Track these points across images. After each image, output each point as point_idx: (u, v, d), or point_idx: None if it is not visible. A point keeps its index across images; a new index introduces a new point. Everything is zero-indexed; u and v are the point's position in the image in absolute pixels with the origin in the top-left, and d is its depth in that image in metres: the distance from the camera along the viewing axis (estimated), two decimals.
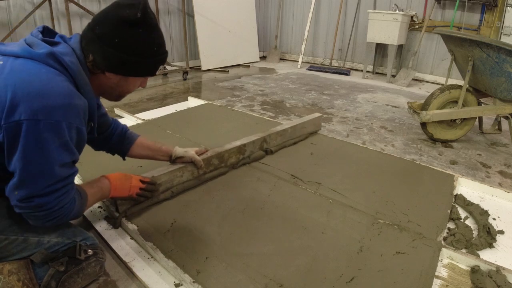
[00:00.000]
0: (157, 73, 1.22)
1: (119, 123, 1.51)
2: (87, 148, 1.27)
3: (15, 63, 0.93)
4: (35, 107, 0.88)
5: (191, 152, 1.66)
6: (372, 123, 3.22)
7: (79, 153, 1.06)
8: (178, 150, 1.64)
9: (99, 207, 1.57)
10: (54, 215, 0.99)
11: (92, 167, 1.81)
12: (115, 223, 1.45)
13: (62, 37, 1.08)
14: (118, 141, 1.48)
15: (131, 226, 1.40)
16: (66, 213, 1.02)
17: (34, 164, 0.91)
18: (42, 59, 0.95)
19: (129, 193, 1.39)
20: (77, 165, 1.08)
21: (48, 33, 1.08)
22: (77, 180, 1.70)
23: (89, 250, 1.10)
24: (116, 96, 1.18)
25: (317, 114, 2.52)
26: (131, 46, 1.03)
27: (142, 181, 1.45)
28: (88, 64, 1.06)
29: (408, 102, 2.96)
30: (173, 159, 1.64)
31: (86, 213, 1.51)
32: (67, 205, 1.01)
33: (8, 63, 0.93)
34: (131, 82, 1.13)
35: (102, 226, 1.46)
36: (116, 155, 1.54)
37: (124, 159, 1.56)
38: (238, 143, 1.91)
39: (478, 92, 2.80)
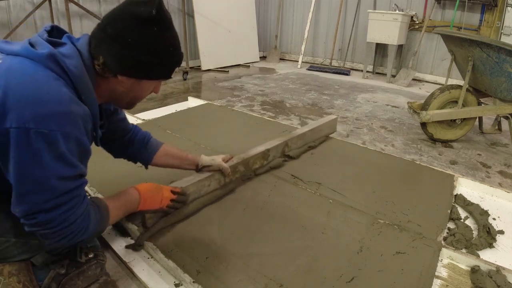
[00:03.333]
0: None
1: (140, 130, 1.43)
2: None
3: (12, 61, 0.88)
4: (26, 114, 0.81)
5: (218, 160, 1.58)
6: (372, 123, 3.22)
7: (84, 165, 0.97)
8: (205, 159, 1.56)
9: None
10: (64, 232, 0.92)
11: (92, 168, 1.80)
12: (138, 242, 1.32)
13: (69, 37, 1.00)
14: (139, 149, 1.40)
15: (131, 226, 1.40)
16: (79, 230, 0.95)
17: (28, 176, 0.85)
18: (41, 60, 0.88)
19: (160, 205, 1.30)
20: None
21: (57, 33, 1.02)
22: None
23: (90, 253, 1.08)
24: (127, 103, 1.11)
25: (333, 116, 2.45)
26: (145, 46, 0.97)
27: (173, 192, 1.37)
28: (98, 67, 0.98)
29: (408, 102, 2.96)
30: (199, 168, 1.57)
31: None
32: (77, 220, 0.94)
33: (6, 62, 0.89)
34: (144, 86, 1.06)
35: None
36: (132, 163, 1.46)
37: (146, 168, 1.48)
38: (262, 148, 1.88)
39: (478, 92, 2.80)
